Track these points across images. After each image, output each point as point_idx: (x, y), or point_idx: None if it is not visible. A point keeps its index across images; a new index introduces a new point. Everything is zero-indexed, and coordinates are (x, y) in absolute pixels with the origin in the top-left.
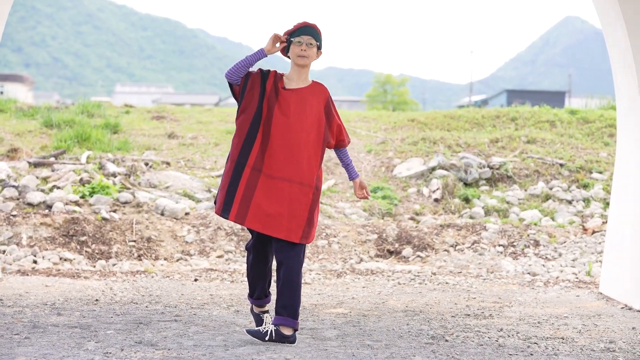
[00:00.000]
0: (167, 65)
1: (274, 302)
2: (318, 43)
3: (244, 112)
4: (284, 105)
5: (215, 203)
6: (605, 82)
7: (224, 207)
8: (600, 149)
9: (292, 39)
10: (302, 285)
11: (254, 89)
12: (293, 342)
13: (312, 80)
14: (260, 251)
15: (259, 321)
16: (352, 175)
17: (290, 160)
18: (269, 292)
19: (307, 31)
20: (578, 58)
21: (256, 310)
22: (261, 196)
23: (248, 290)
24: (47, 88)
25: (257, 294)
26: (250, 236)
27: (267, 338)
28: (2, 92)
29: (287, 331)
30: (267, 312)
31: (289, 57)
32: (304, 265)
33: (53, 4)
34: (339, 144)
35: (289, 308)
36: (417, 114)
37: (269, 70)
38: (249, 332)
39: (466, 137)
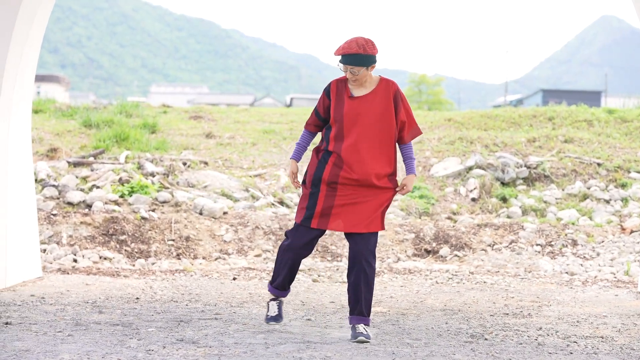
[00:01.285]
0: (201, 66)
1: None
2: (364, 67)
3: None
4: (351, 115)
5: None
6: None
7: (303, 220)
8: (639, 148)
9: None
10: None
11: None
12: (369, 338)
13: (380, 78)
14: (305, 238)
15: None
16: (407, 171)
17: (365, 166)
18: (290, 286)
19: (349, 60)
20: (614, 57)
21: (270, 299)
22: (339, 202)
23: (271, 277)
24: (83, 88)
25: (278, 282)
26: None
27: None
28: (39, 93)
29: (364, 329)
30: (279, 300)
31: None
32: (343, 264)
33: (88, 4)
34: (399, 140)
35: (364, 307)
36: (454, 114)
37: (329, 87)
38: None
39: (503, 136)
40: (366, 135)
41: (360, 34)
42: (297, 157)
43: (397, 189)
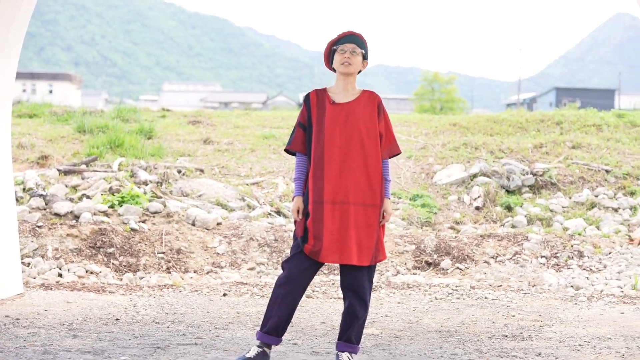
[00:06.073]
0: (215, 63)
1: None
2: (362, 51)
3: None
4: (332, 125)
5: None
6: None
7: (301, 239)
8: None
9: (335, 48)
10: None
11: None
12: None
13: (362, 90)
14: (302, 271)
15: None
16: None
17: (350, 183)
18: (283, 333)
19: (350, 39)
20: (628, 55)
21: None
22: (329, 227)
23: (261, 321)
24: (96, 86)
25: (270, 325)
26: (288, 252)
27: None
28: (51, 91)
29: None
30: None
31: (334, 69)
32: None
33: (102, 2)
34: None
35: (356, 335)
36: (460, 118)
37: (308, 96)
38: None
39: (509, 142)
40: (351, 143)
41: (367, 31)
42: (300, 192)
43: (380, 221)
